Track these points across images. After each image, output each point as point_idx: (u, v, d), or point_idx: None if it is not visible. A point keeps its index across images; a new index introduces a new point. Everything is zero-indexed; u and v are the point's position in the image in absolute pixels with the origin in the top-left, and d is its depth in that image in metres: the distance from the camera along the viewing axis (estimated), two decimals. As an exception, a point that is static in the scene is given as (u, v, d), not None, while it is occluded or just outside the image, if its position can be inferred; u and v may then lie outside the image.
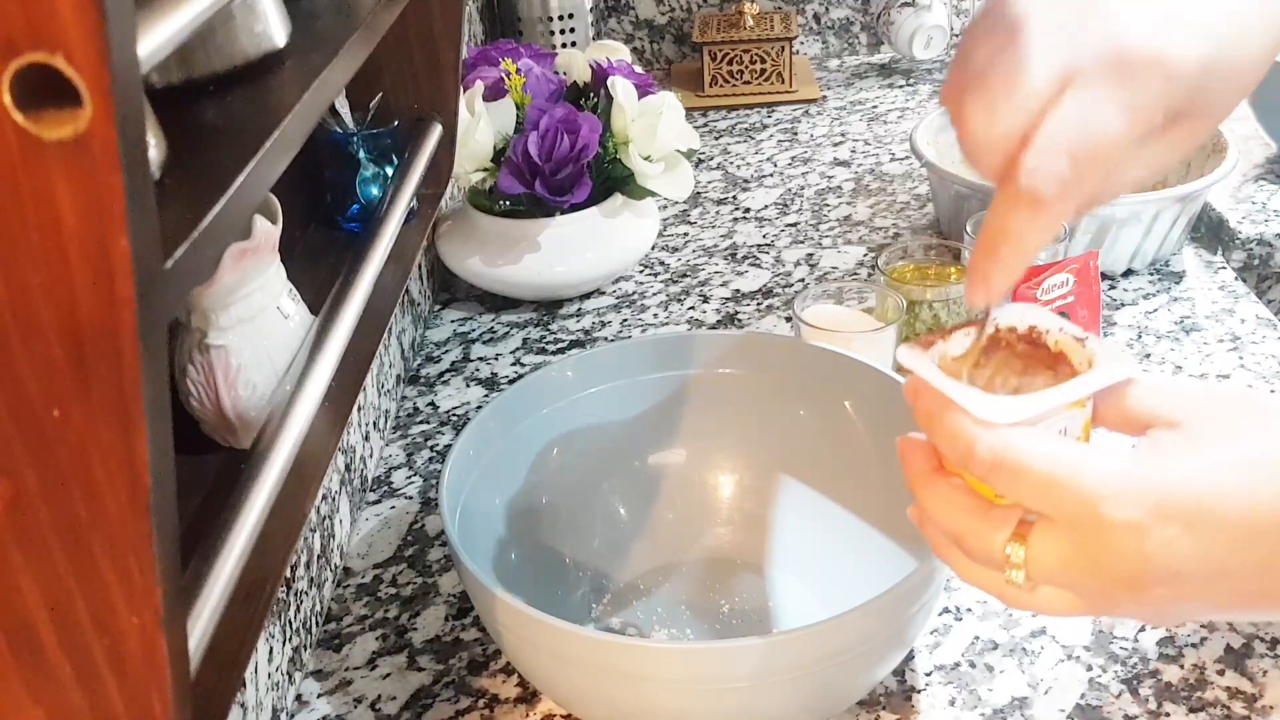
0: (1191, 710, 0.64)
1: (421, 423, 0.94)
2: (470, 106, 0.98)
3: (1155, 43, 0.41)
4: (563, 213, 1.02)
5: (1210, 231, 1.14)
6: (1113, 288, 1.05)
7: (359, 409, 0.86)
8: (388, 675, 0.71)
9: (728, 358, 0.77)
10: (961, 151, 0.44)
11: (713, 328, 1.04)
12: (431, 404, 0.97)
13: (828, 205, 1.25)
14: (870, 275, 1.10)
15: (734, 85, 1.54)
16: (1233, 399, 0.44)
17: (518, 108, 1.02)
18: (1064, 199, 0.42)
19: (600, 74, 1.05)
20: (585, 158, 0.98)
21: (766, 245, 1.17)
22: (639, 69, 1.07)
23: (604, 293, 1.11)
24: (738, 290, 1.10)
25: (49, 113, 0.24)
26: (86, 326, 0.27)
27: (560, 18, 1.45)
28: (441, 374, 1.01)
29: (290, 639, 0.69)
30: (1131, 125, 0.42)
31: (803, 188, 1.30)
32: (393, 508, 0.85)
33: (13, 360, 0.27)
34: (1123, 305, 1.02)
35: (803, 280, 1.10)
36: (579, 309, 1.08)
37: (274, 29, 0.48)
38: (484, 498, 0.69)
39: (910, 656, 0.69)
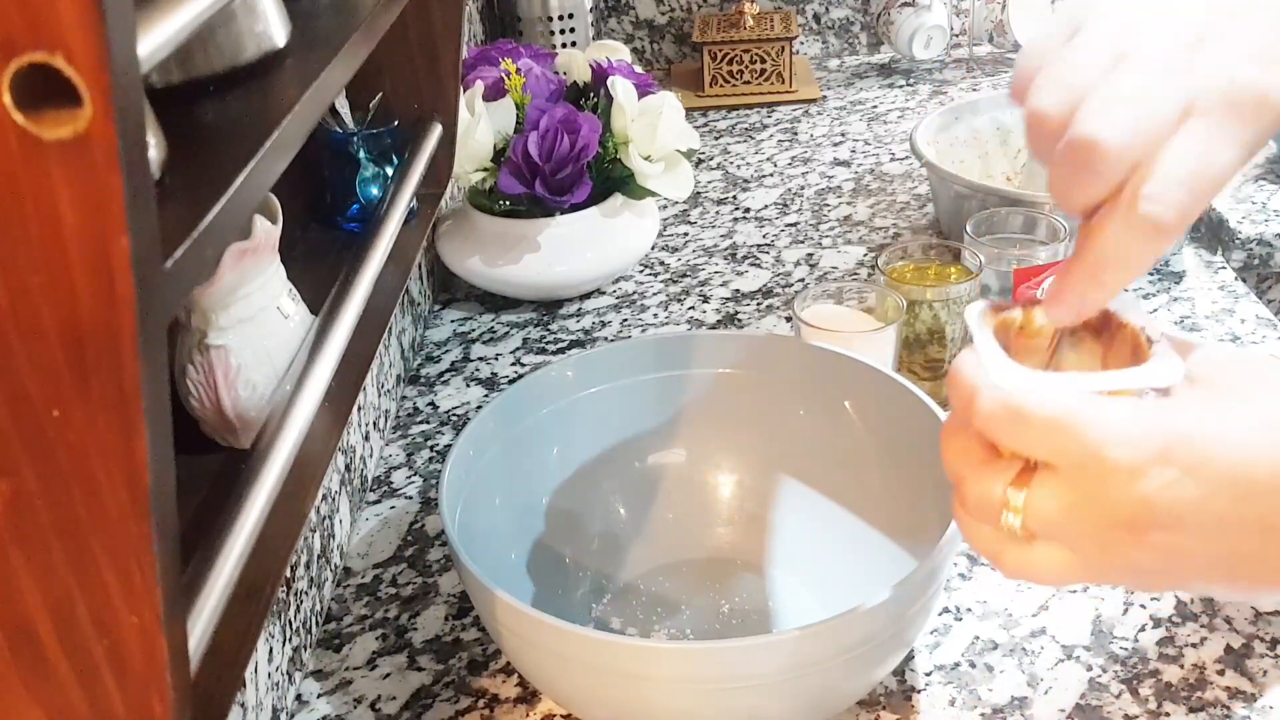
0: (1191, 710, 0.64)
1: (421, 423, 0.94)
2: (470, 106, 0.98)
3: (1263, 83, 0.42)
4: (563, 213, 1.02)
5: (1210, 231, 1.14)
6: (1113, 288, 1.05)
7: (359, 409, 0.86)
8: (388, 675, 0.71)
9: (727, 358, 0.77)
10: (1052, 156, 0.43)
11: (713, 328, 1.04)
12: (431, 404, 0.97)
13: (828, 205, 1.25)
14: (870, 275, 1.10)
15: (734, 85, 1.54)
16: (1255, 364, 0.44)
17: (518, 108, 1.02)
18: (1181, 227, 0.43)
19: (600, 74, 1.05)
20: (585, 158, 0.98)
21: (766, 245, 1.17)
22: (639, 69, 1.07)
23: (604, 293, 1.11)
24: (738, 290, 1.10)
25: (49, 113, 0.24)
26: (86, 326, 0.27)
27: (560, 18, 1.45)
28: (441, 374, 1.01)
29: (290, 639, 0.69)
30: (1242, 158, 0.43)
31: (803, 188, 1.30)
32: (393, 508, 0.85)
33: (13, 360, 0.27)
34: (1123, 305, 1.02)
35: (803, 280, 1.10)
36: (579, 309, 1.08)
37: (274, 29, 0.48)
38: (484, 498, 0.69)
39: (910, 656, 0.69)
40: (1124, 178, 0.42)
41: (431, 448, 0.91)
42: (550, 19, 1.45)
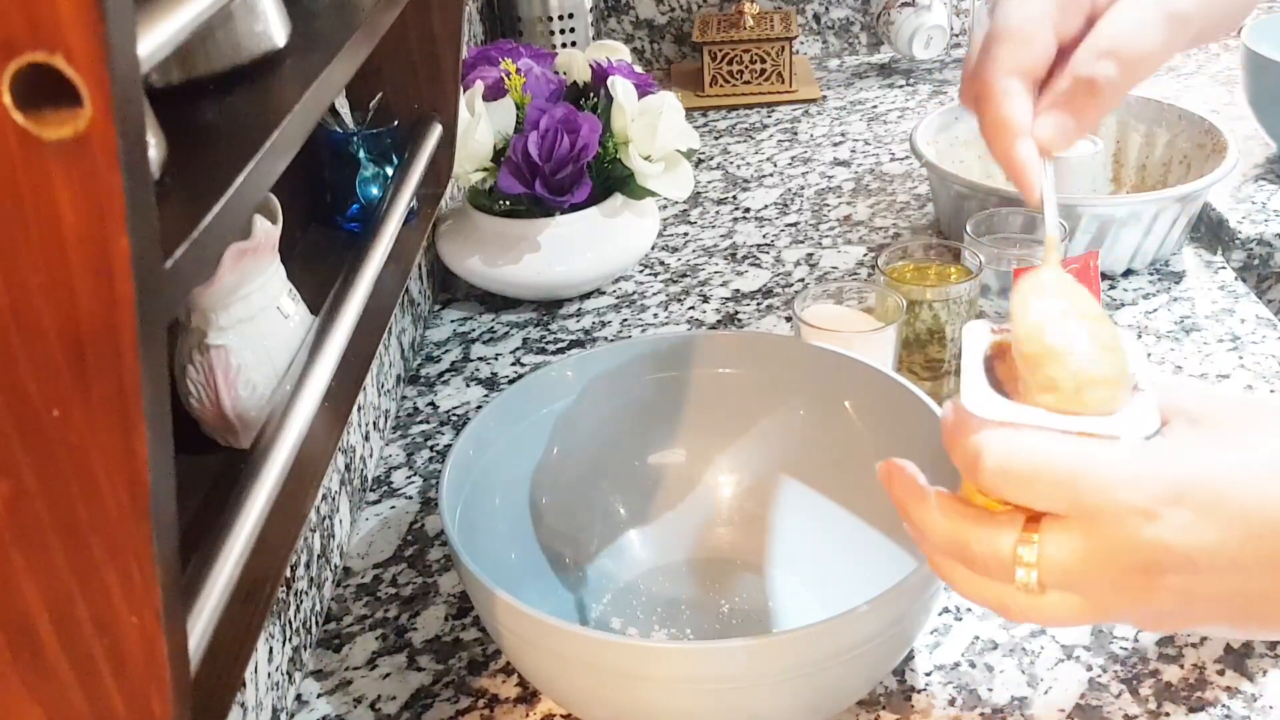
0: (1191, 710, 0.64)
1: (421, 423, 0.94)
2: (470, 106, 0.98)
3: None
4: (563, 213, 1.02)
5: (1210, 231, 1.14)
6: (1113, 288, 1.05)
7: (359, 409, 0.86)
8: (388, 675, 0.71)
9: (728, 358, 0.77)
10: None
11: (713, 328, 1.04)
12: (431, 404, 0.97)
13: (828, 205, 1.25)
14: (870, 275, 1.10)
15: (734, 85, 1.54)
16: (1253, 405, 0.45)
17: (518, 108, 1.02)
18: (994, 74, 0.50)
19: (600, 74, 1.05)
20: (585, 158, 0.98)
21: (766, 245, 1.17)
22: (639, 69, 1.07)
23: (604, 293, 1.11)
24: (738, 290, 1.10)
25: (49, 113, 0.24)
26: (86, 326, 0.27)
27: (560, 18, 1.45)
28: (441, 374, 1.01)
29: (290, 639, 0.69)
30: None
31: (803, 188, 1.30)
32: (393, 508, 0.85)
33: (13, 360, 0.27)
34: (1123, 305, 1.02)
35: (803, 280, 1.10)
36: (579, 309, 1.08)
37: (274, 29, 0.48)
38: (484, 498, 0.69)
39: (910, 656, 0.69)
40: None
41: (431, 448, 0.91)
42: (550, 19, 1.45)
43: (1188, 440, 0.42)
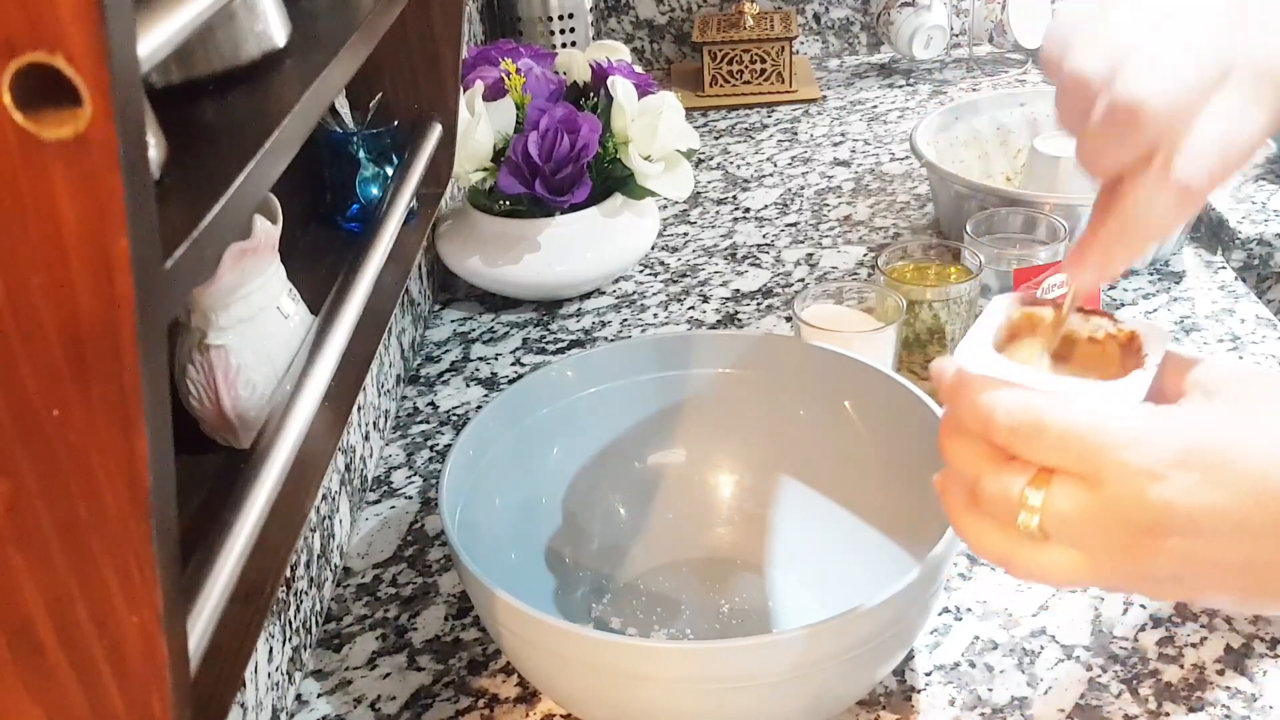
0: (1191, 710, 0.64)
1: (421, 423, 0.94)
2: (470, 106, 0.98)
3: None
4: (563, 213, 1.02)
5: (1210, 231, 1.14)
6: (1113, 288, 1.05)
7: (359, 409, 0.86)
8: (388, 675, 0.71)
9: (727, 358, 0.77)
10: (1091, 123, 0.43)
11: (713, 328, 1.04)
12: (431, 404, 0.97)
13: (828, 205, 1.25)
14: (870, 275, 1.10)
15: (734, 85, 1.54)
16: (1269, 379, 0.44)
17: (518, 108, 1.02)
18: (1209, 192, 0.44)
19: (600, 74, 1.05)
20: (585, 158, 0.98)
21: (766, 245, 1.17)
22: (639, 69, 1.07)
23: (604, 293, 1.11)
24: (738, 290, 1.10)
25: (49, 113, 0.24)
26: (86, 326, 0.27)
27: (560, 18, 1.45)
28: (441, 374, 1.01)
29: (290, 639, 0.69)
30: (1266, 132, 0.44)
31: (803, 188, 1.30)
32: (393, 508, 0.85)
33: (13, 360, 0.27)
34: (1123, 305, 1.02)
35: (803, 280, 1.10)
36: (579, 309, 1.08)
37: (274, 29, 0.48)
38: (484, 498, 0.69)
39: (910, 656, 0.69)
40: (1157, 141, 0.43)
41: (431, 448, 0.91)
42: (550, 19, 1.45)
43: (1202, 409, 0.43)
